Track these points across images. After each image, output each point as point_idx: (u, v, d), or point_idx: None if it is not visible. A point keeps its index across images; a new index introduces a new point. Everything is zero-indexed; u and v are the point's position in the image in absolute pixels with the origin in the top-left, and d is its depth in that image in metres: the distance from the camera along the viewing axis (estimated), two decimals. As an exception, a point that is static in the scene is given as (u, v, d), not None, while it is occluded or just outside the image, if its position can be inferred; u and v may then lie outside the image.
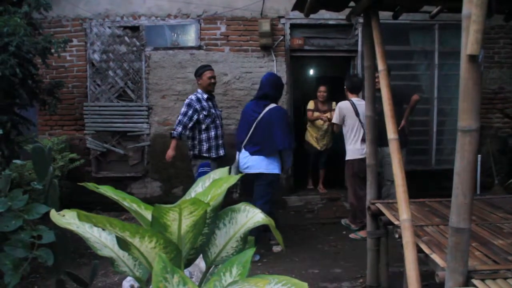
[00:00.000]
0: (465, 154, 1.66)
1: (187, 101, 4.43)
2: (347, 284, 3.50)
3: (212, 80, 4.54)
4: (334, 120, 4.84)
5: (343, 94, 6.40)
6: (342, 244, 4.48)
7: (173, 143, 4.41)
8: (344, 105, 4.73)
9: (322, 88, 5.87)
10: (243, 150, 4.15)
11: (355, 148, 4.65)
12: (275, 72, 5.41)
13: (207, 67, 4.61)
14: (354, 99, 4.74)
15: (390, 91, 2.58)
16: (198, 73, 4.56)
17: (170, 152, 4.41)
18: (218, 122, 4.54)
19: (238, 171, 4.15)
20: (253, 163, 4.07)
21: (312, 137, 5.96)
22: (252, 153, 4.08)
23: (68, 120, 5.73)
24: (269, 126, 4.04)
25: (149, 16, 5.63)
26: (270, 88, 4.15)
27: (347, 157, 4.74)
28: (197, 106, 4.37)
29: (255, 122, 4.07)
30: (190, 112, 4.35)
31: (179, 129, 4.36)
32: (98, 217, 1.08)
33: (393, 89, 4.51)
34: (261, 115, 4.06)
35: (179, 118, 4.39)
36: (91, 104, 5.64)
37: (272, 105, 4.12)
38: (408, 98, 4.71)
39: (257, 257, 4.10)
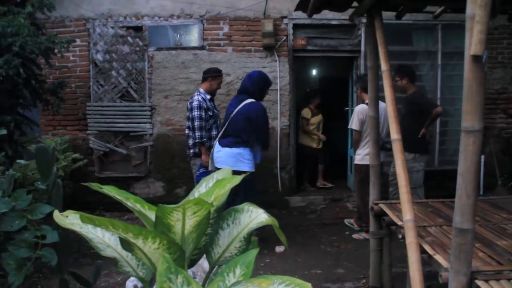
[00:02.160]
0: (468, 155, 1.65)
1: (195, 103, 4.42)
2: (350, 284, 3.50)
3: (220, 86, 4.78)
4: (354, 127, 4.51)
5: (345, 95, 6.45)
6: (345, 244, 4.47)
7: (204, 149, 4.45)
8: (362, 109, 4.44)
9: (317, 99, 6.50)
10: (216, 143, 4.19)
11: (367, 153, 4.37)
12: (278, 72, 5.42)
13: (220, 73, 4.71)
14: None
15: (393, 92, 2.57)
16: (212, 75, 4.60)
17: (206, 157, 4.43)
18: (218, 122, 4.65)
19: (213, 165, 4.21)
20: (222, 158, 4.07)
21: (306, 137, 6.16)
22: (223, 146, 4.09)
23: (71, 120, 5.75)
24: (241, 120, 4.04)
25: (152, 16, 5.63)
26: (250, 84, 4.17)
27: (357, 161, 4.59)
28: (205, 106, 4.46)
29: (230, 116, 4.10)
30: (203, 113, 4.43)
31: (203, 133, 4.42)
32: (101, 219, 1.08)
33: (417, 97, 4.55)
34: (237, 109, 4.09)
35: (196, 124, 4.39)
36: (94, 104, 5.66)
37: (249, 100, 4.11)
38: (431, 109, 4.47)
39: None
